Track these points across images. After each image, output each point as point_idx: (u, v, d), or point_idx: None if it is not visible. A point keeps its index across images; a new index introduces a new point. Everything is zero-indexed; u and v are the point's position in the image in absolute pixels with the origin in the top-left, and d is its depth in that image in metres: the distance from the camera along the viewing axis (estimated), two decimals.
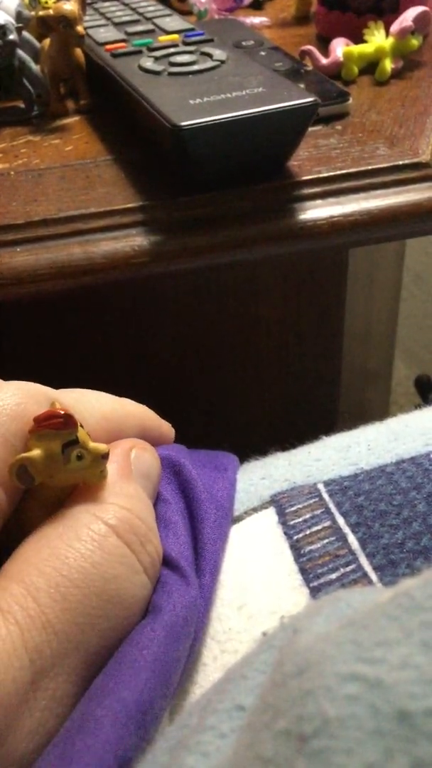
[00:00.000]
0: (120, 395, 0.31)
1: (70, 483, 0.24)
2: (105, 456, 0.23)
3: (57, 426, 0.23)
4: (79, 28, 0.45)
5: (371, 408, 0.78)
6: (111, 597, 0.21)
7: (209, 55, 0.44)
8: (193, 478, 0.28)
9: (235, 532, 0.28)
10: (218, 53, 0.44)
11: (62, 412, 0.23)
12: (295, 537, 0.27)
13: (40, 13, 0.45)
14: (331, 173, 0.41)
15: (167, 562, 0.24)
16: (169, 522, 0.26)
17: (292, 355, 0.51)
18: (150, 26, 0.50)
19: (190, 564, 0.25)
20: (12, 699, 0.18)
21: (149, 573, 0.23)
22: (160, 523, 0.26)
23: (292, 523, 0.27)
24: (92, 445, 0.23)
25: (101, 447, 0.23)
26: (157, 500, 0.27)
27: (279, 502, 0.28)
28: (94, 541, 0.22)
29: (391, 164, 0.41)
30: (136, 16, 0.53)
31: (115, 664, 0.21)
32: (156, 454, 0.27)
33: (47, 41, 0.47)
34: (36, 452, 0.22)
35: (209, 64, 0.43)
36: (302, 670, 0.14)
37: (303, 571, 0.26)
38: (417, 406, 0.35)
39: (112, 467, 0.24)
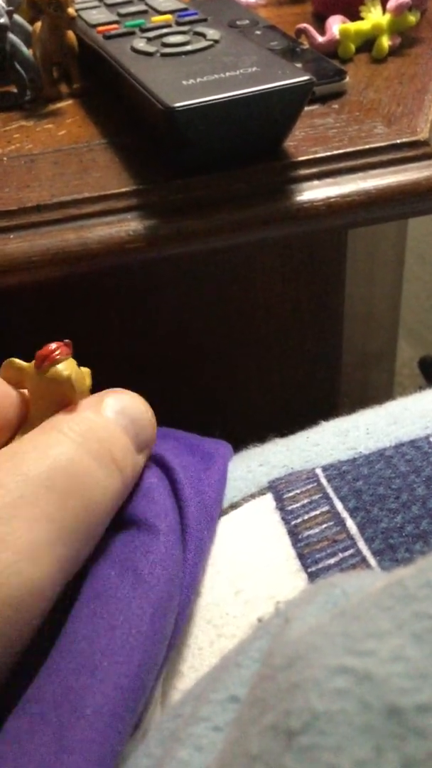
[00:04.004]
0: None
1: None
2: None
3: (66, 353, 0.25)
4: (70, 10, 0.45)
5: (375, 391, 0.78)
6: (62, 469, 0.21)
7: (203, 35, 0.43)
8: (175, 466, 0.28)
9: (233, 518, 0.28)
10: (212, 33, 0.43)
11: (59, 342, 0.25)
12: (293, 522, 0.27)
13: None
14: (328, 153, 0.40)
15: (143, 525, 0.24)
16: (147, 487, 0.26)
17: (291, 338, 0.51)
18: (143, 7, 0.49)
19: (173, 529, 0.25)
20: None
21: (113, 469, 0.23)
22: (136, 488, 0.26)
23: (289, 508, 0.27)
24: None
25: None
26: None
27: (277, 488, 0.28)
28: (44, 434, 0.23)
29: (389, 143, 0.40)
30: None
31: (105, 638, 0.20)
32: (136, 397, 0.27)
33: (38, 24, 0.47)
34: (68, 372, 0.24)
35: (203, 44, 0.42)
36: (291, 663, 0.14)
37: (301, 556, 0.25)
38: (420, 388, 0.34)
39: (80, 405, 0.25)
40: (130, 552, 0.23)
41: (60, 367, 0.24)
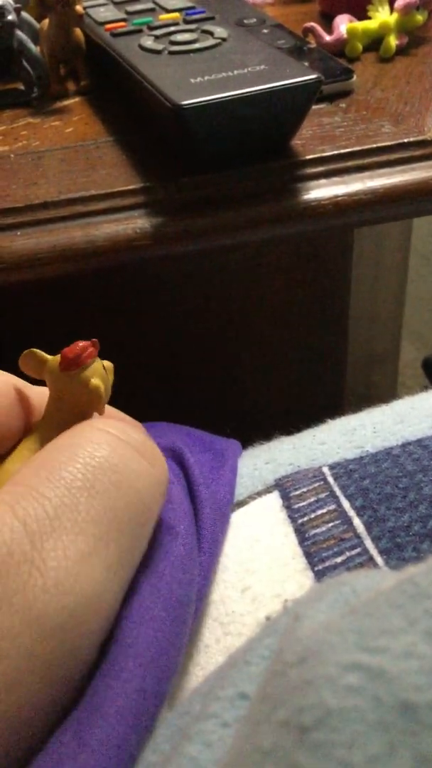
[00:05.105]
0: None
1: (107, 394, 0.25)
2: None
3: (93, 354, 0.24)
4: (78, 8, 0.45)
5: (379, 390, 0.78)
6: (101, 466, 0.20)
7: (210, 33, 0.43)
8: (191, 464, 0.27)
9: (240, 516, 0.28)
10: (219, 31, 0.43)
11: (87, 342, 0.24)
12: (300, 520, 0.26)
13: None
14: (335, 152, 0.40)
15: (162, 525, 0.24)
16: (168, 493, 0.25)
17: (296, 337, 0.51)
18: (150, 5, 0.49)
19: (190, 532, 0.25)
20: (12, 558, 0.18)
21: (154, 463, 0.22)
22: None
23: (296, 506, 0.27)
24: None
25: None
26: None
27: (283, 486, 0.28)
28: (77, 434, 0.21)
29: (397, 142, 0.40)
30: None
31: (130, 640, 0.20)
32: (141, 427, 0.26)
33: (46, 21, 0.47)
34: (96, 381, 0.23)
35: (210, 42, 0.42)
36: (303, 659, 0.14)
37: (308, 554, 0.25)
38: (425, 388, 0.34)
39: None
40: (151, 552, 0.23)
41: (88, 373, 0.23)
